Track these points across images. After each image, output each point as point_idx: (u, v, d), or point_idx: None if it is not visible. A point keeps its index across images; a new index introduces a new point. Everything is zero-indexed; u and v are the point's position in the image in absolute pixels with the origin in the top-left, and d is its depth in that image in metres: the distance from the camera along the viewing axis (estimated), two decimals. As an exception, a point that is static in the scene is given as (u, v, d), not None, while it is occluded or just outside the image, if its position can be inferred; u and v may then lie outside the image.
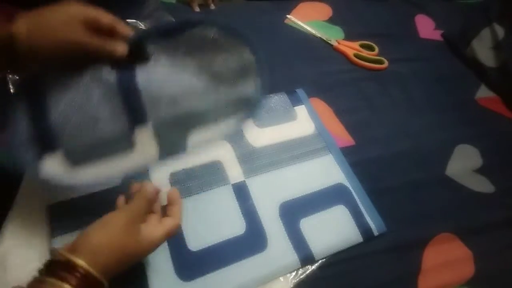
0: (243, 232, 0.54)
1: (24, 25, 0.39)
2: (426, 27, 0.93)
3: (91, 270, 0.36)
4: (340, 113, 0.71)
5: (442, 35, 0.92)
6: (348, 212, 0.58)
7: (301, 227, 0.55)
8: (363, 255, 0.55)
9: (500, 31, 0.82)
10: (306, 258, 0.53)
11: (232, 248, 0.52)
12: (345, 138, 0.68)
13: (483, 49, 0.84)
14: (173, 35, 0.47)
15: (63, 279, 0.34)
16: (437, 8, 0.98)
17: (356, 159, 0.64)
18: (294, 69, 0.76)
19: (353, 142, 0.67)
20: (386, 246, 0.56)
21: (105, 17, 0.42)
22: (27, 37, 0.39)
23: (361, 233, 0.56)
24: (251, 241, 0.53)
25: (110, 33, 0.43)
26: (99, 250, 0.37)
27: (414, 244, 0.57)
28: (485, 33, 0.85)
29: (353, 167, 0.63)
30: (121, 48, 0.43)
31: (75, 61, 0.42)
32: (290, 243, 0.54)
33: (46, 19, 0.40)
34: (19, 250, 0.49)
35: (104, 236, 0.38)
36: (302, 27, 0.86)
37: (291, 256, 0.53)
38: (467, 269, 0.56)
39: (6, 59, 0.40)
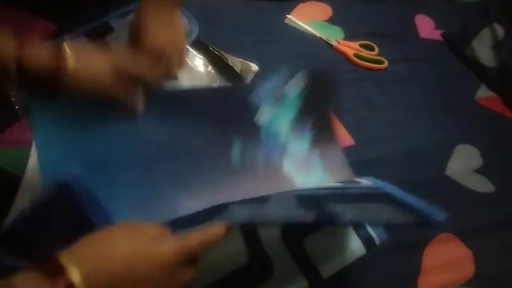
0: (246, 261, 0.51)
1: (72, 65, 0.43)
2: (426, 27, 0.93)
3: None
4: (340, 113, 0.71)
5: (442, 35, 0.92)
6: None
7: (305, 247, 0.53)
8: (363, 255, 0.55)
9: (500, 31, 0.82)
10: (315, 279, 0.51)
11: (237, 281, 0.49)
12: (345, 138, 0.68)
13: (483, 49, 0.84)
14: None
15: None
16: (437, 8, 0.98)
17: (356, 159, 0.64)
18: (294, 69, 0.76)
19: (353, 142, 0.67)
20: (386, 246, 0.56)
21: (134, 69, 0.49)
22: (73, 73, 0.43)
23: (363, 243, 0.54)
24: (256, 270, 0.50)
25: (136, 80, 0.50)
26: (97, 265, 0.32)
27: (414, 244, 0.57)
28: (485, 33, 0.85)
29: (353, 167, 0.63)
30: (140, 106, 0.51)
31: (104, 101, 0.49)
32: (296, 266, 0.51)
33: (90, 68, 0.45)
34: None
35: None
36: (302, 27, 0.86)
37: (300, 281, 0.50)
38: (467, 269, 0.56)
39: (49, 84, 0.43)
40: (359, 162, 0.64)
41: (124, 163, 0.52)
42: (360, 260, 0.54)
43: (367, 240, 0.55)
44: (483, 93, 0.82)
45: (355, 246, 0.54)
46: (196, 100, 0.58)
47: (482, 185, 0.65)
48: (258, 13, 0.87)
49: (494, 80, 0.82)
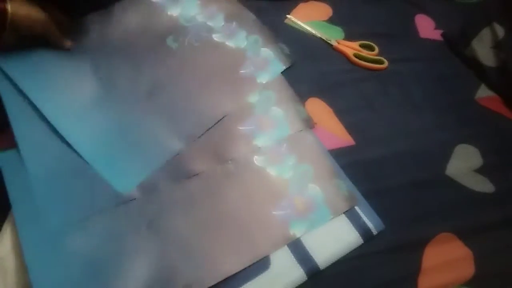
0: None
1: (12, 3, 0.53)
2: (426, 27, 0.93)
3: None
4: (340, 113, 0.71)
5: (442, 35, 0.92)
6: (345, 216, 0.57)
7: (302, 239, 0.54)
8: (363, 255, 0.55)
9: (500, 31, 0.82)
10: (312, 270, 0.52)
11: (234, 273, 0.50)
12: (345, 138, 0.68)
13: (483, 49, 0.84)
14: None
15: None
16: (437, 8, 0.98)
17: (356, 159, 0.64)
18: (294, 69, 0.76)
19: (353, 142, 0.67)
20: (386, 246, 0.56)
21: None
22: (13, 13, 0.53)
23: (360, 235, 0.55)
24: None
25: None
26: None
27: (414, 244, 0.57)
28: (485, 33, 0.84)
29: (353, 167, 0.63)
30: (68, 43, 0.65)
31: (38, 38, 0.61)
32: (293, 257, 0.52)
33: (26, 3, 0.56)
34: (20, 253, 0.48)
35: None
36: (302, 27, 0.86)
37: (297, 271, 0.51)
38: (467, 269, 0.56)
39: None
40: (359, 162, 0.64)
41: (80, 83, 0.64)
42: (360, 259, 0.54)
43: (364, 231, 0.56)
44: (483, 93, 0.81)
45: (352, 236, 0.55)
46: (117, 18, 0.72)
47: (482, 185, 0.65)
48: (257, 13, 0.87)
49: (494, 80, 0.82)
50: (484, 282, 0.54)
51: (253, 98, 0.67)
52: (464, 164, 0.68)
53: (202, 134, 0.61)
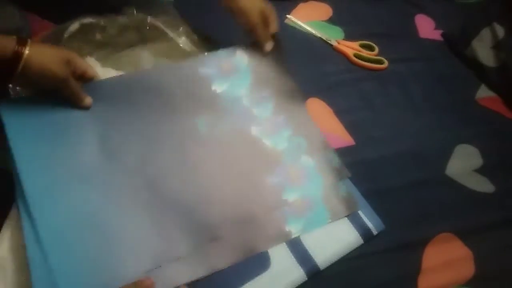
0: None
1: (31, 50, 0.48)
2: (426, 27, 0.93)
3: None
4: (340, 113, 0.71)
5: (442, 35, 0.92)
6: (345, 216, 0.57)
7: (302, 239, 0.54)
8: (363, 255, 0.55)
9: (500, 31, 0.82)
10: (312, 270, 0.52)
11: (233, 271, 0.50)
12: (345, 138, 0.68)
13: (483, 49, 0.84)
14: None
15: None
16: (437, 8, 0.98)
17: (356, 159, 0.64)
18: (294, 69, 0.76)
19: (353, 142, 0.67)
20: (386, 246, 0.56)
21: (89, 68, 0.56)
22: (27, 60, 0.48)
23: (360, 235, 0.55)
24: (253, 260, 0.51)
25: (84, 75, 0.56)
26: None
27: (414, 244, 0.57)
28: (485, 33, 0.85)
29: (353, 167, 0.63)
30: (88, 101, 0.56)
31: (52, 90, 0.53)
32: (293, 257, 0.52)
33: (45, 52, 0.50)
34: (20, 252, 0.48)
35: None
36: (302, 27, 0.86)
37: (297, 272, 0.51)
38: (467, 269, 0.56)
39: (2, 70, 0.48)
40: (359, 162, 0.64)
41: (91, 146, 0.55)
42: (360, 259, 0.54)
43: (364, 231, 0.56)
44: (483, 93, 0.82)
45: (352, 236, 0.55)
46: (149, 83, 0.60)
47: (482, 185, 0.65)
48: (258, 13, 0.87)
49: (494, 80, 0.82)
50: (484, 282, 0.54)
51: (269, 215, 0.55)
52: (464, 164, 0.68)
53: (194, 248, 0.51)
